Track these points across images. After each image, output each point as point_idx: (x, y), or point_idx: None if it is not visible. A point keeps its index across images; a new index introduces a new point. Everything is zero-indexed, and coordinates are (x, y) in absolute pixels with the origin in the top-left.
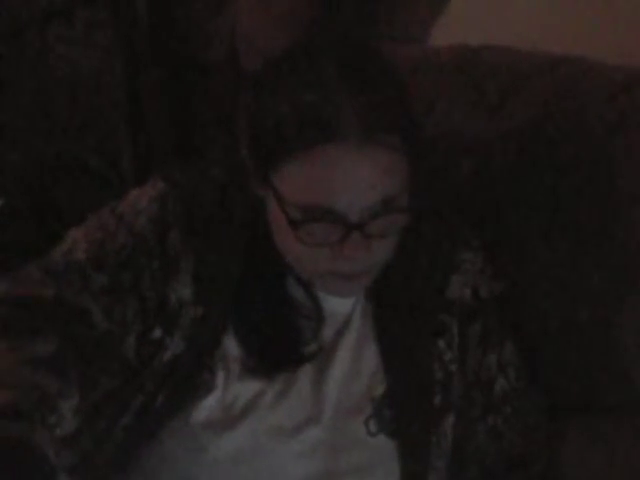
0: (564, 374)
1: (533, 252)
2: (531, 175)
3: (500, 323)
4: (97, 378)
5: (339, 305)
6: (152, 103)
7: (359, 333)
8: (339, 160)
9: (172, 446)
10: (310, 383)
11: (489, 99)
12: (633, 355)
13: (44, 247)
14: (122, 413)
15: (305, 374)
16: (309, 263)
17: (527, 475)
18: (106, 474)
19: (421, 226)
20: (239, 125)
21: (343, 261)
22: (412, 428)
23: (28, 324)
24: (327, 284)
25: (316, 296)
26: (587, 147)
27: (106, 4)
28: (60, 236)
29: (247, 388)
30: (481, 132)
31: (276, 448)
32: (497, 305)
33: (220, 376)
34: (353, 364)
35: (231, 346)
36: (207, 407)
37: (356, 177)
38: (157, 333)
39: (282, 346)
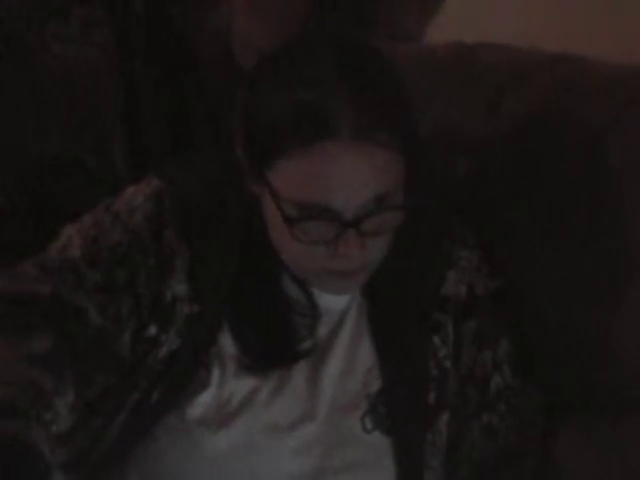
0: (563, 373)
1: (531, 251)
2: (529, 173)
3: (496, 321)
4: (92, 375)
5: (334, 302)
6: (148, 101)
7: (354, 330)
8: (335, 158)
9: (167, 443)
10: (305, 380)
11: (486, 97)
12: (631, 355)
13: (41, 246)
14: (117, 410)
15: (300, 371)
16: (304, 260)
17: (520, 471)
18: (101, 471)
19: (417, 224)
20: (235, 122)
21: (338, 259)
22: (407, 425)
23: (24, 321)
24: (322, 281)
25: (311, 293)
26: (585, 145)
27: (102, 2)
28: (57, 235)
29: (242, 385)
30: (478, 130)
31: (271, 445)
32: (493, 303)
33: (215, 373)
34: (348, 361)
35: (226, 343)
36: (202, 404)
37: (351, 175)
38: (152, 330)
39: (277, 343)
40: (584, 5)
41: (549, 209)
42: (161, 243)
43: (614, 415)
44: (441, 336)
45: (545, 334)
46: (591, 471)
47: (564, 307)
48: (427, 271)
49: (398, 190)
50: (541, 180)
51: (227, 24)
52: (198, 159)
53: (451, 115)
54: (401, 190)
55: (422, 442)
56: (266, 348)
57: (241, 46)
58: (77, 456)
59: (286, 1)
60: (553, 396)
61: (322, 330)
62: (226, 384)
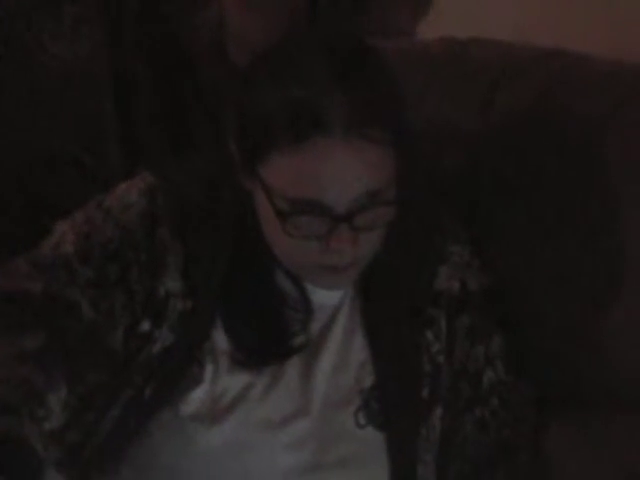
0: (558, 370)
1: (528, 248)
2: (523, 170)
3: (488, 316)
4: (85, 372)
5: (327, 298)
6: (140, 98)
7: (347, 325)
8: (327, 153)
9: (161, 439)
10: (298, 375)
11: (480, 93)
12: (627, 353)
13: (35, 242)
14: (110, 406)
15: (293, 367)
16: (297, 256)
17: (513, 465)
18: (95, 467)
19: (410, 219)
20: (228, 118)
21: (330, 254)
22: (401, 420)
23: (16, 319)
24: (315, 277)
25: (304, 289)
26: (580, 141)
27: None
28: (51, 231)
29: (236, 381)
30: (472, 125)
31: (265, 440)
32: (485, 298)
33: (209, 369)
34: (341, 356)
35: (220, 339)
36: (196, 400)
37: (344, 171)
38: (145, 326)
39: (270, 339)
40: (578, 0)
41: (545, 206)
42: (154, 240)
43: (608, 413)
44: (434, 331)
45: (543, 333)
46: (583, 466)
47: (559, 304)
48: (419, 266)
49: (390, 185)
50: (536, 177)
51: (218, 22)
52: (191, 155)
53: (444, 111)
54: (393, 185)
55: (415, 437)
56: (259, 344)
57: (235, 43)
58: (70, 452)
59: None
60: (546, 392)
61: (315, 325)
62: (219, 380)
